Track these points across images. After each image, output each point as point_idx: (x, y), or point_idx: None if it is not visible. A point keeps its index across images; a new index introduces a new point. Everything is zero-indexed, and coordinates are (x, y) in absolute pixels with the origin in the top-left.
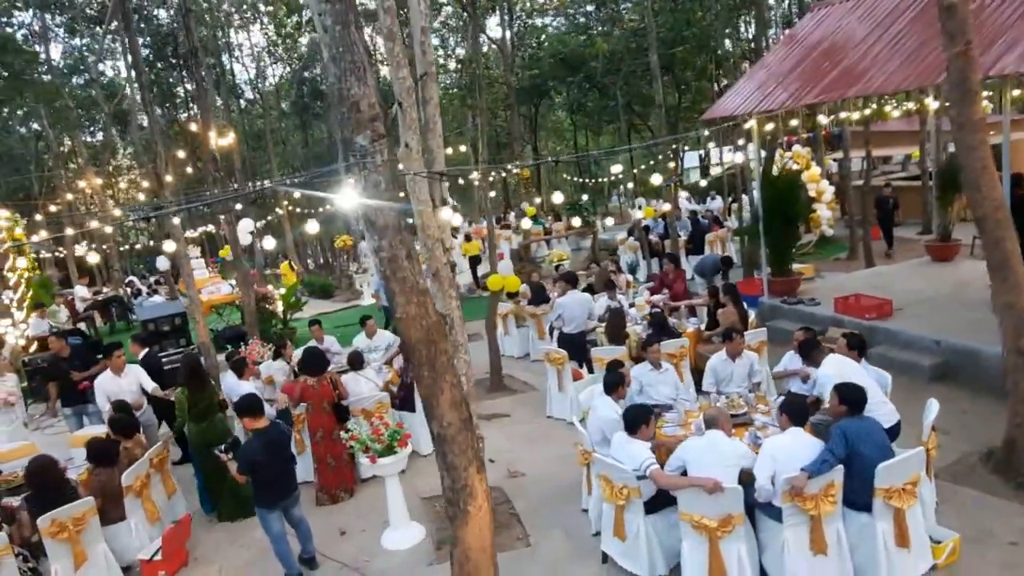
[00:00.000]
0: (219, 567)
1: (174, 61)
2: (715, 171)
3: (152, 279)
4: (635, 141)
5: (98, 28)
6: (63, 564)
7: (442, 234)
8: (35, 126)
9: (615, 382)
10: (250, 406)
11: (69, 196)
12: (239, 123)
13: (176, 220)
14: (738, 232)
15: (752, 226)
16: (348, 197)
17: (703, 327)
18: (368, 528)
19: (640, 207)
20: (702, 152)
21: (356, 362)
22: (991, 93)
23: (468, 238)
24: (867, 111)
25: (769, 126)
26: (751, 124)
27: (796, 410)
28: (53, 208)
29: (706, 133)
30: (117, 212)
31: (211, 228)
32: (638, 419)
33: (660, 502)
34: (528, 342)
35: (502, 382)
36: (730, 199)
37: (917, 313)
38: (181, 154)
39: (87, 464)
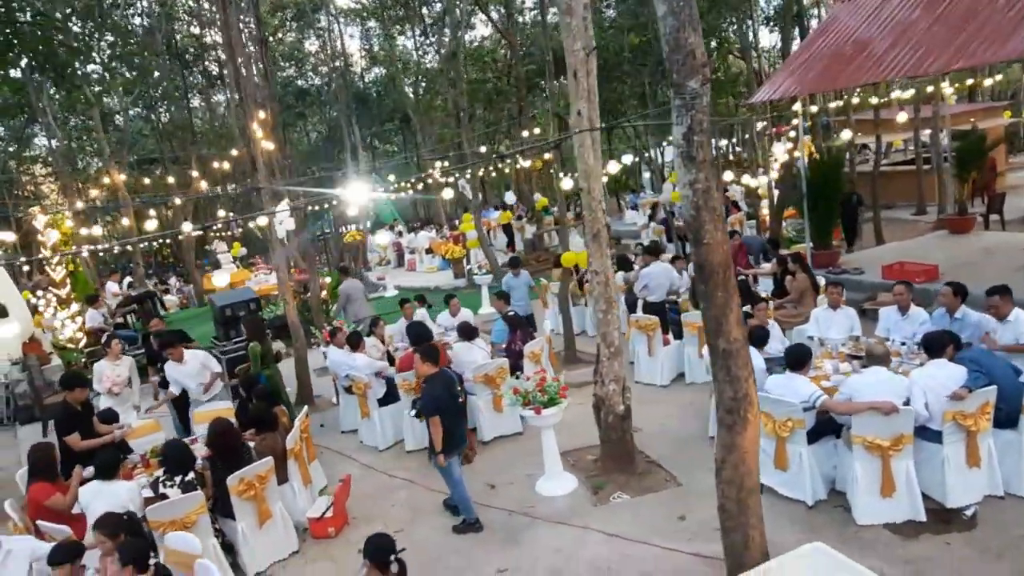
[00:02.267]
0: (383, 523)
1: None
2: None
3: (154, 281)
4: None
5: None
6: (248, 523)
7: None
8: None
9: (764, 337)
10: (432, 352)
11: (94, 192)
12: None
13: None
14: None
15: (797, 201)
16: (358, 192)
17: (769, 294)
18: (515, 482)
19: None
20: None
21: (468, 332)
22: (958, 85)
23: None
24: (900, 94)
25: (813, 108)
26: (797, 107)
27: (935, 344)
28: (80, 204)
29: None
30: (178, 202)
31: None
32: (803, 357)
33: (820, 432)
34: (583, 318)
35: (576, 355)
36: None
37: (961, 275)
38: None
39: None
